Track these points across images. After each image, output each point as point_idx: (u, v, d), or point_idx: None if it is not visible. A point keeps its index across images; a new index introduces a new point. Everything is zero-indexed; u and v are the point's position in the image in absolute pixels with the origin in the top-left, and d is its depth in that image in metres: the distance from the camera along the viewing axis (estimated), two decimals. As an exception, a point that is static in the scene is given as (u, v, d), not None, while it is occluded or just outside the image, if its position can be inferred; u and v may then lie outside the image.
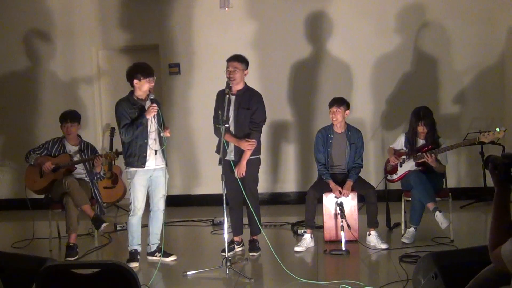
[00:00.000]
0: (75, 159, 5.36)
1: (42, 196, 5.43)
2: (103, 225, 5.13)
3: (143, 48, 7.47)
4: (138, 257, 4.79)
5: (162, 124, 4.73)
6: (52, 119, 7.37)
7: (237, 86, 4.77)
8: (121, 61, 7.55)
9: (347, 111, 5.22)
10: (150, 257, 4.91)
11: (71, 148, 5.40)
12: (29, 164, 5.37)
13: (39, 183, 5.35)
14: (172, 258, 4.89)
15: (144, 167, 4.71)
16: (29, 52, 7.54)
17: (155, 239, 4.92)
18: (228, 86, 4.67)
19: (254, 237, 5.03)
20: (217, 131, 4.78)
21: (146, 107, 4.69)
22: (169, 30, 7.34)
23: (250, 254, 4.92)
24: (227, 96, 4.62)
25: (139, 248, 4.83)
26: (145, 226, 5.14)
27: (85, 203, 5.13)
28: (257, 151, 4.89)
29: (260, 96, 4.92)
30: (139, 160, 4.70)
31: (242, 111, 4.74)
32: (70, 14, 7.45)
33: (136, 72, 4.67)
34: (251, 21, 7.18)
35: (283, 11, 7.14)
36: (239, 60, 4.79)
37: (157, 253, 4.86)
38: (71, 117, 5.36)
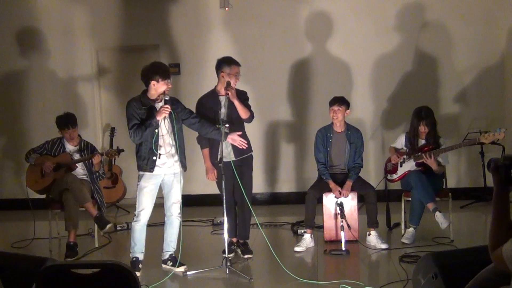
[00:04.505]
0: (75, 158, 5.36)
1: (44, 196, 5.43)
2: (108, 225, 5.09)
3: (143, 48, 7.47)
4: (140, 265, 4.52)
5: (174, 125, 4.44)
6: (52, 119, 7.35)
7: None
8: (121, 61, 7.55)
9: (348, 111, 5.23)
10: (163, 265, 4.64)
11: (71, 147, 5.40)
12: (29, 164, 5.39)
13: (41, 183, 5.35)
14: (182, 269, 4.55)
15: (152, 172, 4.45)
16: (29, 52, 7.53)
17: (168, 247, 4.63)
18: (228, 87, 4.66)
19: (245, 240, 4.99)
20: (199, 139, 4.84)
21: (158, 108, 4.44)
22: (169, 30, 7.34)
23: (246, 256, 4.86)
24: (227, 96, 4.63)
25: (141, 256, 4.54)
26: (154, 225, 5.15)
27: (87, 201, 5.13)
28: (249, 148, 4.80)
29: None
30: (148, 163, 4.44)
31: (234, 107, 4.73)
32: (70, 13, 7.45)
33: (155, 73, 4.39)
34: (251, 21, 7.18)
35: (283, 11, 7.14)
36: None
37: (169, 261, 4.60)
38: (71, 123, 5.34)
